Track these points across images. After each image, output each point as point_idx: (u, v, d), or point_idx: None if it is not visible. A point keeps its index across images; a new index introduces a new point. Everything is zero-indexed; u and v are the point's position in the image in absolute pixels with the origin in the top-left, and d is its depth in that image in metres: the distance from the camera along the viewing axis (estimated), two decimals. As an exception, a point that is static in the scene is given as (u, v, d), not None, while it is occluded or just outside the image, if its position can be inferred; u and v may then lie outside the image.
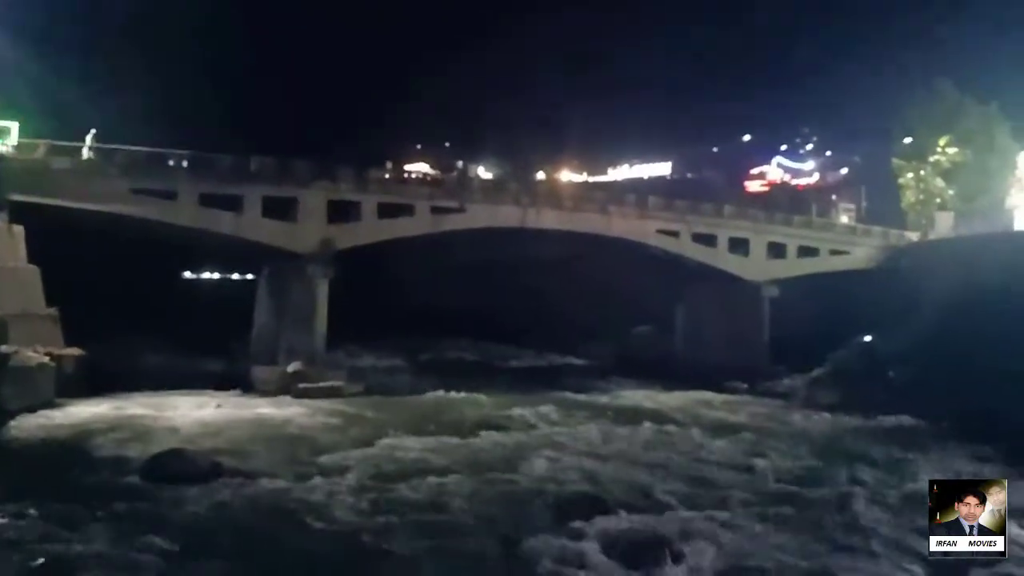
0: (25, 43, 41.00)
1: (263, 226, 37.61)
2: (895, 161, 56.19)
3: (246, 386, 35.50)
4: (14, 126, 34.14)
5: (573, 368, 51.78)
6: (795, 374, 41.03)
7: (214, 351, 43.51)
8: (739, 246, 47.84)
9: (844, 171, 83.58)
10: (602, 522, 16.71)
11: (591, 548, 15.00)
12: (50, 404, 27.81)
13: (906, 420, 30.65)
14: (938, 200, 54.36)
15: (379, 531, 16.19)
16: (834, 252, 49.09)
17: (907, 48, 70.08)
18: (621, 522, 17.06)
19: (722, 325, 47.99)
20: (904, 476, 22.07)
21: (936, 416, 29.84)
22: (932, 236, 50.31)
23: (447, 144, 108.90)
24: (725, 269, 47.39)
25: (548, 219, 44.45)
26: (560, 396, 36.26)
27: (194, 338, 47.37)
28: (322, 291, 37.99)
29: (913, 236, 51.39)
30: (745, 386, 40.85)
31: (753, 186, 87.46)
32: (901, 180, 56.05)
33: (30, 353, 28.43)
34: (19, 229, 31.53)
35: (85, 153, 35.38)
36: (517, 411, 31.42)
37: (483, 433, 26.60)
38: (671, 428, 29.05)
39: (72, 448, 22.32)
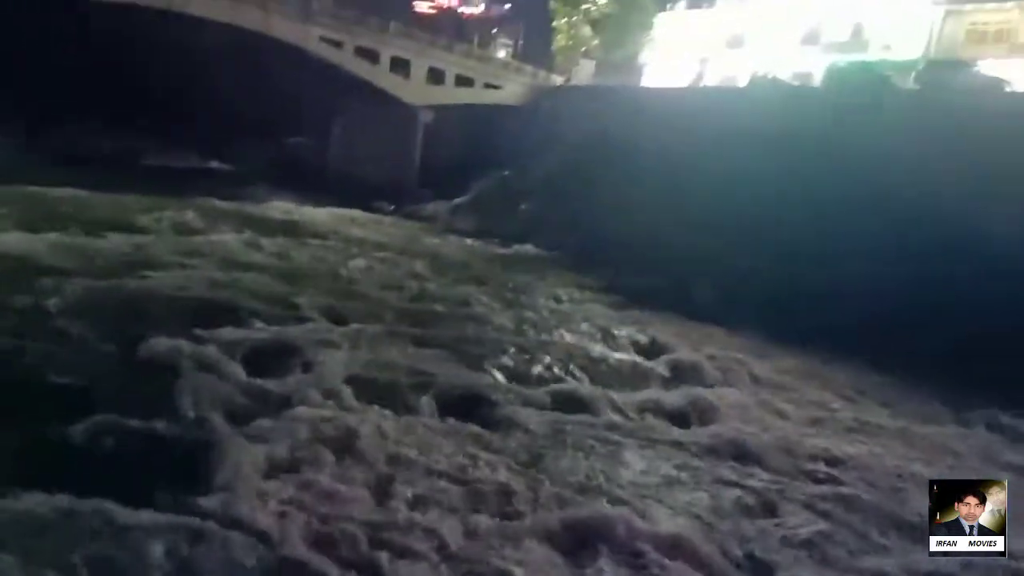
0: None
1: None
2: (552, 3, 59.13)
3: None
4: None
5: (221, 173, 48.87)
6: (440, 200, 43.30)
7: None
8: (402, 67, 47.64)
9: (508, 6, 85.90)
10: (231, 331, 16.63)
11: (213, 353, 14.97)
12: None
13: (531, 249, 34.40)
14: (584, 48, 58.81)
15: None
16: (488, 86, 50.59)
17: None
18: (252, 332, 17.14)
19: (377, 144, 48.38)
20: (522, 293, 25.44)
21: (557, 246, 33.81)
22: (574, 81, 54.36)
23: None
24: (385, 88, 47.18)
25: (198, 5, 40.34)
26: (203, 202, 34.22)
27: None
28: None
29: (559, 79, 54.80)
30: (392, 207, 42.48)
31: (422, 7, 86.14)
32: (555, 23, 59.42)
33: None
34: None
35: None
36: (152, 215, 29.29)
37: (110, 236, 24.41)
38: (315, 243, 29.50)
39: None
